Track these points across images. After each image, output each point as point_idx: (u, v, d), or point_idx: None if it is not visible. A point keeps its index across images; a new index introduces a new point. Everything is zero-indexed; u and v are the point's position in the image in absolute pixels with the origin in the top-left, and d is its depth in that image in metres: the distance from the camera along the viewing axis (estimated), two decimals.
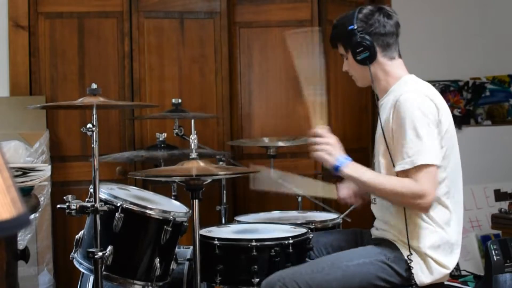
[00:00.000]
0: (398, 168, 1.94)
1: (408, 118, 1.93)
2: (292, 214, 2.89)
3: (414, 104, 1.95)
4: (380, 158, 2.07)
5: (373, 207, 2.21)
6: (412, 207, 1.97)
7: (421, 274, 2.00)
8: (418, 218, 2.03)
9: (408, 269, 1.99)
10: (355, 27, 2.07)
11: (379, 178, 2.01)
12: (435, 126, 1.96)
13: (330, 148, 2.04)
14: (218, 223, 2.69)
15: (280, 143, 3.09)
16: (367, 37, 2.07)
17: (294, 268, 2.05)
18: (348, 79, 2.27)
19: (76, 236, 2.26)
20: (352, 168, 2.02)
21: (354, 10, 2.13)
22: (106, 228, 2.11)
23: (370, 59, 2.08)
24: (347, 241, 2.30)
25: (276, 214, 2.87)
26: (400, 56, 2.15)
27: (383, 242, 2.09)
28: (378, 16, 2.10)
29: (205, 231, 2.31)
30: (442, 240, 2.02)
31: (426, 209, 1.95)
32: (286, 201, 3.05)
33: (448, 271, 2.03)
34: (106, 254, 2.06)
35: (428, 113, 1.96)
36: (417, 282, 2.00)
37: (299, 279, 1.95)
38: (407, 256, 1.99)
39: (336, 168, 2.02)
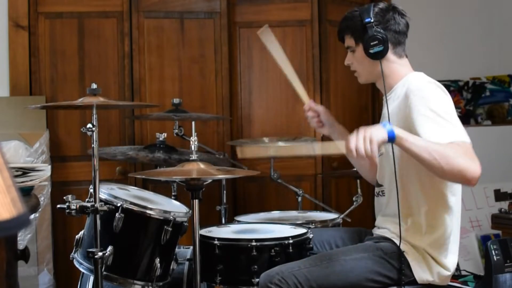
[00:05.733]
0: None
1: (426, 103, 1.92)
2: (292, 214, 2.89)
3: (430, 92, 1.96)
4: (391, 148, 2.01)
5: (376, 204, 2.22)
6: (462, 173, 1.79)
7: (419, 270, 2.01)
8: (417, 215, 2.04)
9: (408, 265, 1.99)
10: (372, 20, 2.07)
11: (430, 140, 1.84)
12: (453, 110, 1.96)
13: (365, 132, 1.81)
14: (218, 223, 2.69)
15: (280, 143, 3.08)
16: (383, 31, 2.07)
17: (293, 263, 2.06)
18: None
19: (76, 236, 2.27)
20: (401, 131, 1.85)
21: (369, 5, 2.12)
22: (106, 228, 2.11)
23: (382, 54, 2.08)
24: (350, 239, 2.30)
25: (276, 214, 2.87)
26: (406, 56, 2.16)
27: (382, 239, 2.10)
28: (393, 13, 2.11)
29: (205, 231, 2.31)
30: (441, 238, 2.02)
31: (475, 178, 1.79)
32: (286, 201, 3.04)
33: (448, 273, 2.03)
34: (106, 254, 2.06)
35: (445, 99, 1.97)
36: (417, 279, 2.01)
37: (298, 273, 1.96)
38: (399, 248, 1.99)
39: (391, 136, 1.82)
